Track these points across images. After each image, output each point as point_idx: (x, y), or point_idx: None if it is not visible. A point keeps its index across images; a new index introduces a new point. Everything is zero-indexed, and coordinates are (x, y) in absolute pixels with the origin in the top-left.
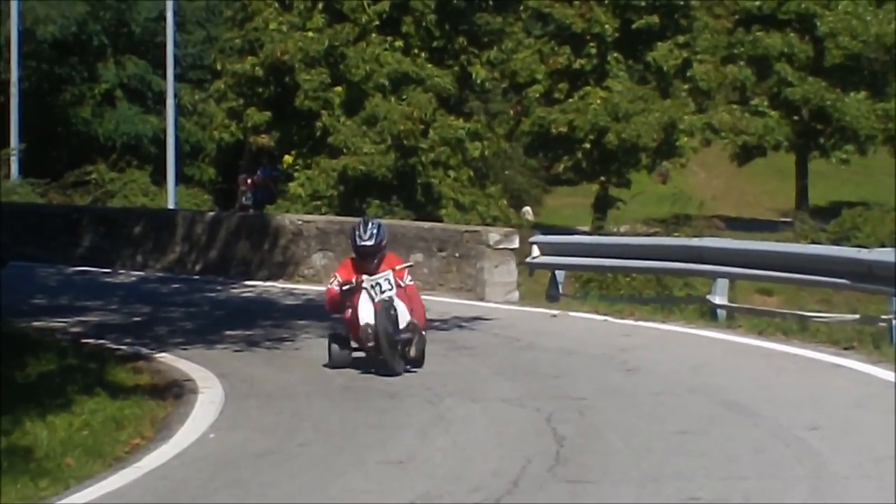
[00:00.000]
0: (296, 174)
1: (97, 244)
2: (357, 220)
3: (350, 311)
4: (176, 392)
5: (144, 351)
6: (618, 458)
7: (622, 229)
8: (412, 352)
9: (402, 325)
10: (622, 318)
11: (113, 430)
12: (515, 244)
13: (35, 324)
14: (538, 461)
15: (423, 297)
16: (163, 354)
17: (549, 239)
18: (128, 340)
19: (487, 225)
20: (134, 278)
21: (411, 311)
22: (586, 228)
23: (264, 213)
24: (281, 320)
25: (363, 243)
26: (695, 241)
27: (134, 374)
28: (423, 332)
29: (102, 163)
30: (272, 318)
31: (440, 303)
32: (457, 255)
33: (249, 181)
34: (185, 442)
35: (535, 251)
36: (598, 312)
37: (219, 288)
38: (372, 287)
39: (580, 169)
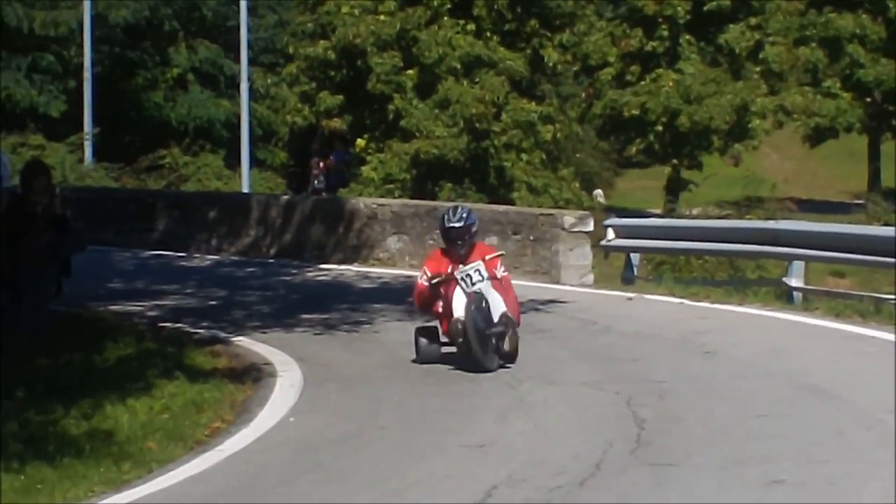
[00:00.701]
0: (368, 158)
1: (172, 228)
2: (432, 203)
3: (441, 304)
4: (255, 376)
5: (222, 335)
6: (699, 442)
7: (694, 212)
8: (506, 346)
9: (495, 319)
10: (698, 301)
11: (193, 413)
12: (590, 227)
13: (112, 308)
14: (619, 445)
15: None
16: (240, 338)
17: (624, 222)
18: (205, 324)
19: (560, 208)
20: (209, 262)
21: (505, 304)
22: (658, 211)
23: (339, 196)
24: (357, 304)
25: (452, 224)
26: (770, 224)
27: (212, 357)
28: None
29: (176, 147)
30: (349, 302)
31: (515, 286)
32: (531, 238)
33: (322, 165)
34: (266, 426)
35: (611, 234)
36: (673, 295)
37: (294, 271)
38: (462, 279)
39: (652, 151)
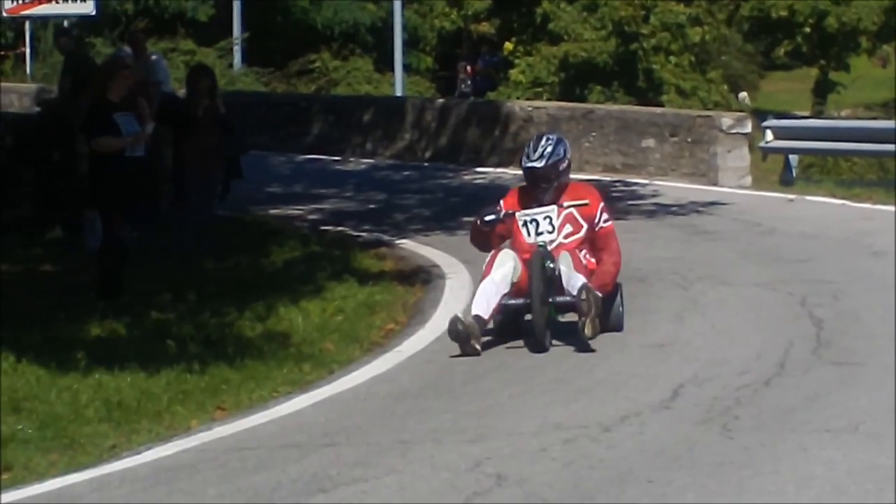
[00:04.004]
0: (516, 61)
1: (326, 132)
2: (588, 105)
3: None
4: (423, 278)
5: (385, 237)
6: (881, 342)
7: (843, 113)
8: (587, 330)
9: (566, 283)
10: (860, 202)
11: (366, 315)
12: (748, 129)
13: (272, 212)
14: (800, 344)
15: (655, 182)
16: (404, 241)
17: (783, 123)
18: (366, 227)
19: (708, 110)
20: (364, 166)
21: (592, 269)
22: (805, 113)
23: (494, 99)
24: None
25: (530, 164)
26: None
27: (378, 260)
28: (617, 296)
29: (326, 51)
30: None
31: (673, 188)
32: (689, 140)
33: (469, 69)
34: (442, 327)
35: (769, 135)
36: (834, 196)
37: (450, 175)
38: (525, 224)
39: (799, 53)
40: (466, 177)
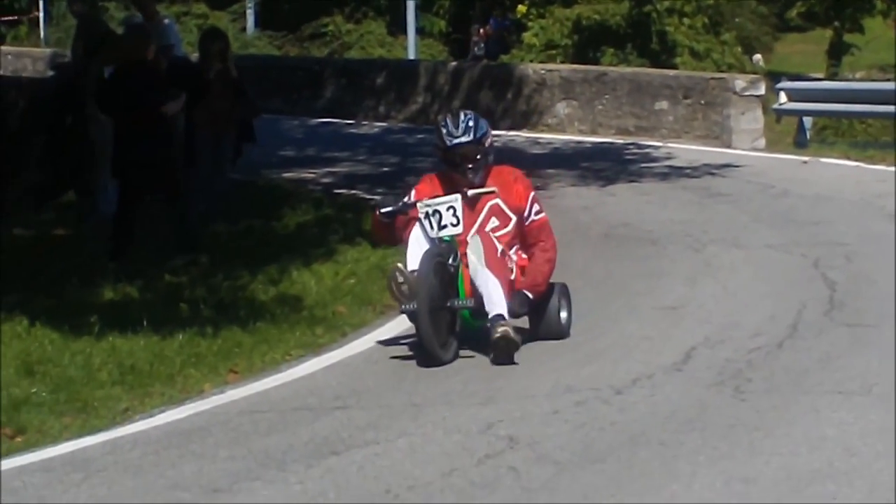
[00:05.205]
0: (529, 24)
1: (339, 96)
2: (601, 68)
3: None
4: None
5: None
6: (893, 304)
7: (857, 75)
8: (497, 332)
9: (474, 278)
10: (874, 164)
11: (379, 278)
12: (762, 91)
13: (285, 175)
14: (813, 306)
15: (669, 144)
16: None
17: (797, 85)
18: (380, 191)
19: (722, 72)
20: (377, 129)
21: (523, 266)
22: (820, 75)
23: (507, 62)
24: (530, 169)
25: (457, 141)
26: None
27: None
28: (554, 297)
29: (339, 15)
30: (521, 168)
31: (687, 150)
32: (702, 102)
33: (482, 31)
34: None
35: (783, 97)
36: (848, 158)
37: None
38: (427, 217)
39: (813, 15)
40: None
